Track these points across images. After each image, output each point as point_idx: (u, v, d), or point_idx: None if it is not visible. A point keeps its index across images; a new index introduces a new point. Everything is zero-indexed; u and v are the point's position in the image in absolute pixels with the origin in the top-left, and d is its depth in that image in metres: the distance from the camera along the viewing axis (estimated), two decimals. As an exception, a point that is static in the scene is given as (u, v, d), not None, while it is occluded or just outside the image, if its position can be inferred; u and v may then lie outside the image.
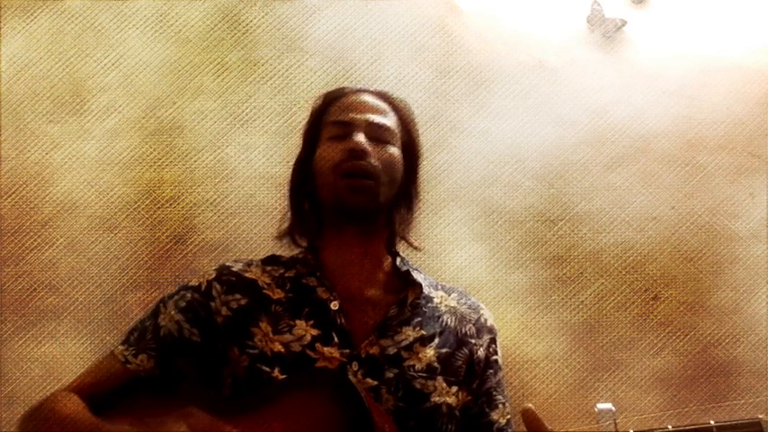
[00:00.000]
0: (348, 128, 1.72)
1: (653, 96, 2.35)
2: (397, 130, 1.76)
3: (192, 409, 1.52)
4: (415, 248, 1.84)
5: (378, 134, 1.72)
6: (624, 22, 2.35)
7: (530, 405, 1.47)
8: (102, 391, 1.64)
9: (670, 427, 1.41)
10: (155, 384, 1.66)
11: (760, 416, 1.41)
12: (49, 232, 2.24)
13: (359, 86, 1.87)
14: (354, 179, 1.68)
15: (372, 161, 1.69)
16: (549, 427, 1.47)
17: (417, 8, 2.35)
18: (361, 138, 1.69)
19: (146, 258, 2.24)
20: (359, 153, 1.68)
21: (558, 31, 2.36)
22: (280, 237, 1.82)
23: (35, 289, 2.22)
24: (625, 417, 2.18)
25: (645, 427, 1.45)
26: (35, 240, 2.24)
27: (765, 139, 2.35)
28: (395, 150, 1.74)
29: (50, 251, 2.24)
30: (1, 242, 2.23)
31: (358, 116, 1.73)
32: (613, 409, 1.45)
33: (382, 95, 1.80)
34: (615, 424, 1.44)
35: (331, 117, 1.76)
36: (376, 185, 1.69)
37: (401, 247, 1.85)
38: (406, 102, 1.84)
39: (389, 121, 1.76)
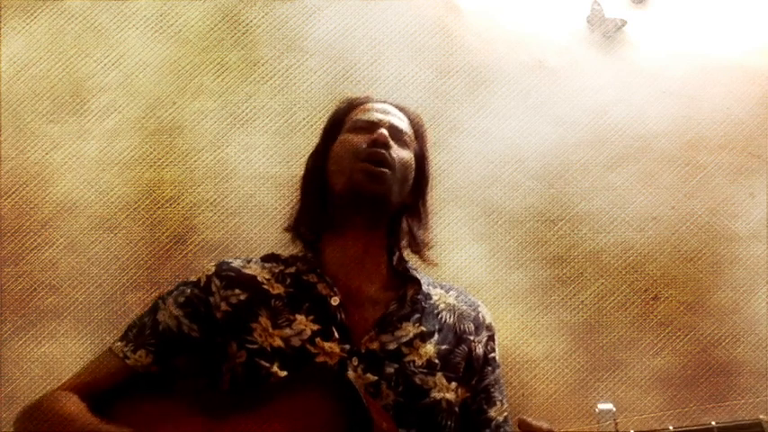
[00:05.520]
0: (372, 125, 1.78)
1: (653, 96, 2.35)
2: (412, 139, 1.83)
3: None
4: (431, 264, 1.85)
5: (398, 136, 1.79)
6: (624, 22, 2.36)
7: (521, 416, 1.50)
8: (101, 388, 1.63)
9: (671, 427, 1.41)
10: (152, 385, 1.66)
11: (761, 416, 1.41)
12: (49, 232, 2.24)
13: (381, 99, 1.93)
14: (373, 165, 1.71)
15: (393, 154, 1.74)
16: (547, 426, 1.47)
17: (417, 8, 2.35)
18: (385, 132, 1.75)
19: (146, 258, 2.24)
20: (382, 143, 1.73)
21: (558, 31, 2.36)
22: (287, 229, 1.84)
23: (35, 289, 2.22)
24: (625, 417, 2.17)
25: (645, 428, 1.45)
26: (35, 240, 2.24)
27: (765, 139, 2.35)
28: (410, 154, 1.80)
29: (50, 251, 2.23)
30: (1, 242, 2.23)
31: (382, 117, 1.80)
32: (614, 409, 1.46)
33: (402, 109, 1.88)
34: (615, 424, 1.44)
35: (355, 116, 1.83)
36: (392, 176, 1.73)
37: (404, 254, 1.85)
38: (422, 119, 1.90)
39: (407, 129, 1.83)
